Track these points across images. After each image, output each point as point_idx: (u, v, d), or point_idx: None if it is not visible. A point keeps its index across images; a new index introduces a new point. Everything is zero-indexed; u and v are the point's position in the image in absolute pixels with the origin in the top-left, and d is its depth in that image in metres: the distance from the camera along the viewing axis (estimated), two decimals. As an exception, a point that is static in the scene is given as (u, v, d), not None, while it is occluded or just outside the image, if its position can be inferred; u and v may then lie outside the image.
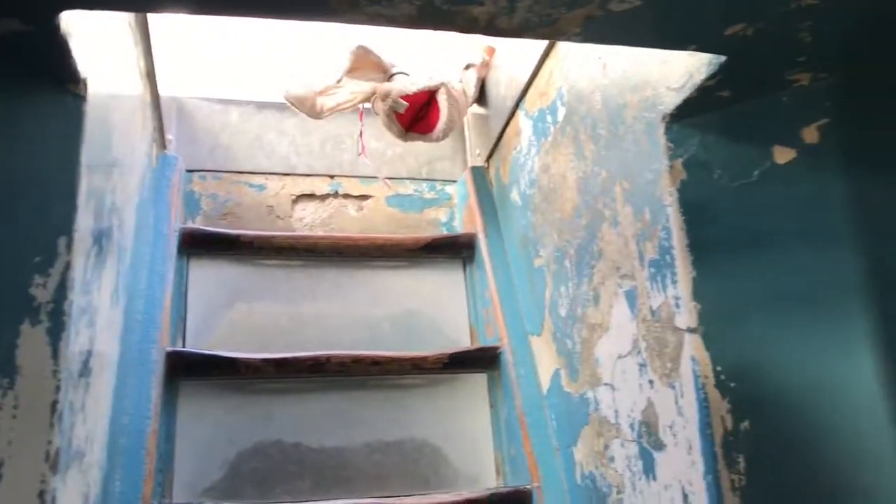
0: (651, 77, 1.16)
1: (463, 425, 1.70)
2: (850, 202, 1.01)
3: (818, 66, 1.02)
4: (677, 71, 1.09)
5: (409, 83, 1.79)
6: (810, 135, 1.05)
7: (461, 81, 1.97)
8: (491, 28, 0.90)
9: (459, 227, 2.06)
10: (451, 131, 1.85)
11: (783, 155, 1.06)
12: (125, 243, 1.35)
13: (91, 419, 1.08)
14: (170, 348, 1.54)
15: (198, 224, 1.92)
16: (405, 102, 1.77)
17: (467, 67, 2.02)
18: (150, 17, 1.57)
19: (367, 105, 1.87)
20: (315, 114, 1.76)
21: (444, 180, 2.12)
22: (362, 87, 1.82)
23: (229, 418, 1.60)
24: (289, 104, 1.75)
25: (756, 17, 0.90)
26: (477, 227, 1.92)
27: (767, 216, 1.06)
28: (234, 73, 2.15)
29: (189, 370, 1.58)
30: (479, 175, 2.03)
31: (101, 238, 1.11)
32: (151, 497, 1.34)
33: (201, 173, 1.96)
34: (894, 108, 1.02)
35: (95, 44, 1.07)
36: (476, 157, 2.09)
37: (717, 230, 1.08)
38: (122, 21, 1.31)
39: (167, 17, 1.83)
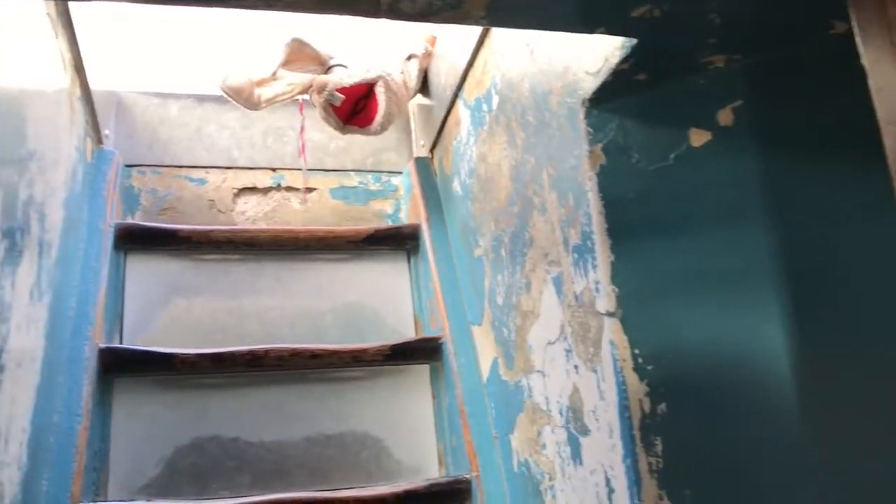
0: (572, 62, 1.16)
1: (405, 417, 1.70)
2: (763, 183, 1.02)
3: (731, 49, 1.03)
4: (594, 55, 1.08)
5: (346, 76, 1.78)
6: (725, 117, 1.05)
7: (403, 72, 1.96)
8: (394, 12, 0.89)
9: (405, 219, 2.05)
10: (390, 124, 1.84)
11: (699, 137, 1.06)
12: (48, 238, 1.33)
13: (5, 417, 1.05)
14: (103, 345, 1.52)
15: (137, 219, 1.89)
16: (341, 95, 1.76)
17: (409, 58, 2.00)
18: (82, 10, 1.55)
19: (307, 97, 1.86)
20: (252, 105, 1.75)
21: (390, 171, 2.11)
22: (301, 78, 1.81)
23: (166, 414, 1.58)
24: (225, 95, 1.73)
25: (661, -1, 0.90)
26: (421, 218, 1.91)
27: (684, 199, 1.06)
28: (175, 66, 2.12)
29: (124, 367, 1.56)
30: (423, 166, 2.02)
31: (12, 232, 1.09)
32: (81, 495, 1.32)
33: (140, 168, 1.93)
34: (805, 89, 1.03)
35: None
36: (421, 148, 2.08)
37: (636, 214, 1.08)
38: (36, 11, 1.28)
39: (102, 11, 1.81)
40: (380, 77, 1.81)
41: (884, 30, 0.57)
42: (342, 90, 1.76)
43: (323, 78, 1.78)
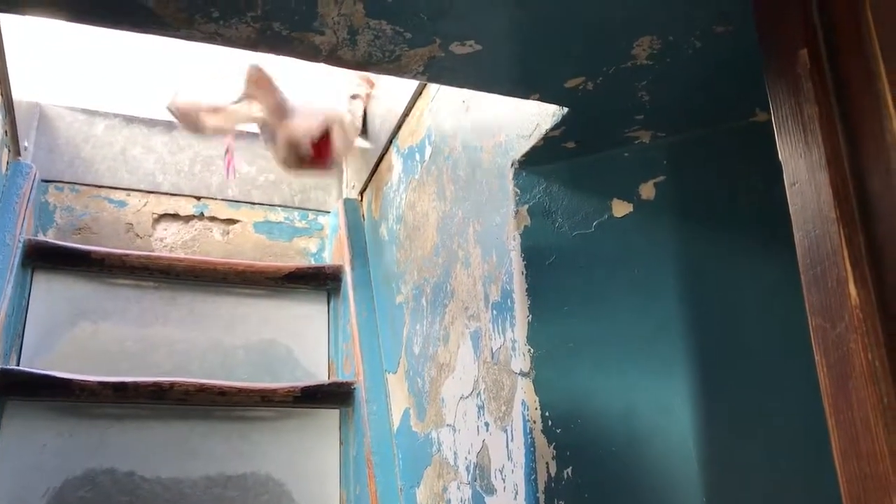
0: (505, 123, 1.18)
1: (311, 462, 1.66)
2: (679, 257, 1.05)
3: (657, 126, 1.06)
4: (527, 119, 1.11)
5: (310, 127, 1.77)
6: (647, 190, 1.08)
7: (349, 111, 1.96)
8: (333, 58, 0.89)
9: (329, 259, 2.03)
10: (340, 163, 1.85)
11: (621, 208, 1.09)
12: (-50, 251, 1.27)
13: None
14: (-3, 365, 1.45)
15: (50, 237, 1.82)
16: (310, 149, 1.75)
17: (354, 97, 2.00)
18: (12, 20, 1.50)
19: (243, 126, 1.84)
20: (196, 130, 1.71)
21: (317, 210, 2.09)
22: (252, 113, 1.78)
23: (59, 443, 1.51)
24: (171, 113, 1.70)
25: (594, 73, 0.93)
26: (345, 260, 1.89)
27: (602, 266, 1.08)
28: (104, 83, 2.07)
29: (17, 389, 1.49)
30: (351, 207, 2.01)
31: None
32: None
33: (58, 184, 1.87)
34: (724, 170, 1.07)
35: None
36: (351, 189, 2.07)
37: (556, 277, 1.10)
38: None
39: (31, 22, 1.76)
40: (336, 118, 1.82)
41: (799, 128, 0.60)
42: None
43: (292, 131, 1.75)
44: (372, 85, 2.01)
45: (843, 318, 0.55)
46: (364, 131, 2.02)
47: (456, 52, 0.88)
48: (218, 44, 0.87)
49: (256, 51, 0.88)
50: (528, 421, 1.05)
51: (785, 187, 0.65)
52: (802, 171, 0.60)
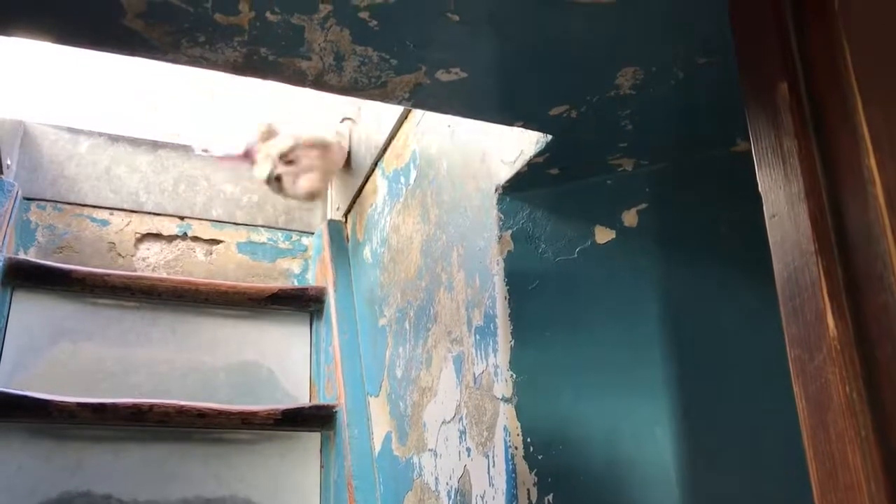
0: (490, 149, 1.19)
1: (291, 486, 1.64)
2: (660, 284, 1.05)
3: (639, 154, 1.07)
4: (511, 145, 1.12)
5: (310, 173, 1.81)
6: (629, 218, 1.09)
7: (338, 133, 1.97)
8: (320, 83, 0.90)
9: (312, 280, 2.03)
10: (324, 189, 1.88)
11: (603, 235, 1.10)
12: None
13: None
14: (-28, 386, 1.43)
15: (31, 256, 1.81)
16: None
17: (343, 120, 2.02)
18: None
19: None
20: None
21: (301, 231, 2.09)
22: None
23: (35, 465, 1.49)
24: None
25: (578, 102, 0.94)
26: (328, 282, 1.89)
27: (584, 292, 1.09)
28: (89, 102, 2.07)
29: (-6, 411, 1.47)
30: (335, 229, 2.01)
31: None
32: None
33: (40, 202, 1.86)
34: (706, 198, 1.08)
35: None
36: (335, 211, 2.07)
37: (538, 302, 1.10)
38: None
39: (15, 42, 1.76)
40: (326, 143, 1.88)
41: (779, 161, 0.61)
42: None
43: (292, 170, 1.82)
44: (360, 108, 2.02)
45: (821, 350, 0.55)
46: (349, 154, 2.03)
47: (441, 79, 0.89)
48: (203, 67, 0.88)
49: (242, 75, 0.88)
50: (510, 447, 1.05)
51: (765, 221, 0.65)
52: (782, 203, 0.60)
